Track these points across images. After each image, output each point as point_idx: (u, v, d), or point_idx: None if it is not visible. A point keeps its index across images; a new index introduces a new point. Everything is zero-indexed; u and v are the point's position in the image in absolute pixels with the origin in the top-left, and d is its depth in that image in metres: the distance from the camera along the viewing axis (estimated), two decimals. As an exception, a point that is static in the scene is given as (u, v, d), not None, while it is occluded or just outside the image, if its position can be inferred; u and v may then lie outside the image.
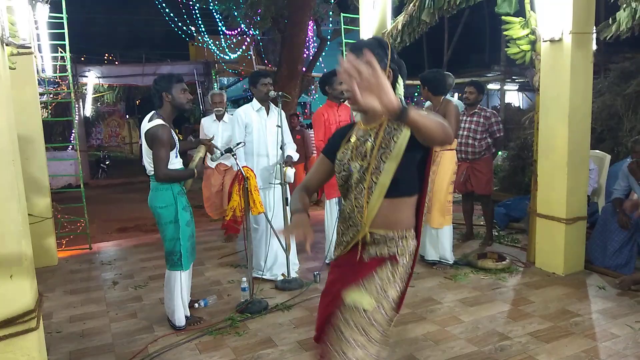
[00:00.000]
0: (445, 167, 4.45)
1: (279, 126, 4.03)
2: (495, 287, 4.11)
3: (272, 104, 4.26)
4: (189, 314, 3.55)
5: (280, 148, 4.04)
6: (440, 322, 3.47)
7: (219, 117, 5.67)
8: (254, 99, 4.29)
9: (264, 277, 4.30)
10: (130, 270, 4.87)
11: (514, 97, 18.11)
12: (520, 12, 4.42)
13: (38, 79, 5.31)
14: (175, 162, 3.37)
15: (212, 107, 5.68)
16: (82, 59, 13.94)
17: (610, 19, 3.61)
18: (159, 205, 3.30)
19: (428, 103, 4.74)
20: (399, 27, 5.59)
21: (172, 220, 3.30)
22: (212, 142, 3.84)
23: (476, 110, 5.14)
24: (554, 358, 2.93)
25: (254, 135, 4.22)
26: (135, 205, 8.55)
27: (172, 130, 3.34)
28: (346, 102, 4.66)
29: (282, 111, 4.25)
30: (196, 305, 3.82)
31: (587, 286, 4.05)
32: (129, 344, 3.30)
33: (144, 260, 5.20)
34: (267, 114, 4.27)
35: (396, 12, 6.30)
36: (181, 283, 3.41)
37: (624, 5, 3.63)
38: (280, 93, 4.06)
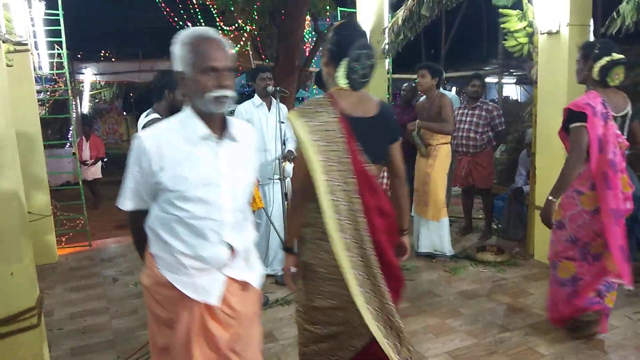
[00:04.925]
0: (441, 160, 4.46)
1: (282, 122, 4.03)
2: (494, 279, 4.13)
3: (273, 99, 4.26)
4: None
5: (283, 143, 4.04)
6: (440, 315, 3.48)
7: None
8: (255, 94, 4.30)
9: (264, 272, 4.31)
10: (130, 267, 4.87)
11: (512, 90, 18.10)
12: (517, 5, 4.42)
13: (35, 77, 5.29)
14: None
15: None
16: (79, 56, 13.86)
17: (615, 13, 3.60)
18: None
19: (422, 98, 4.75)
20: (400, 22, 5.59)
21: None
22: None
23: (478, 104, 5.14)
24: (554, 349, 2.95)
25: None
26: (134, 202, 8.53)
27: None
28: None
29: (284, 106, 4.26)
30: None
31: (586, 278, 4.07)
32: (130, 340, 3.31)
33: (143, 257, 5.20)
34: (269, 109, 4.27)
35: (394, 7, 6.29)
36: None
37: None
38: (277, 88, 4.06)
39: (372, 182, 2.00)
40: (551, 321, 3.19)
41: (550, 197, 2.85)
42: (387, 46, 6.16)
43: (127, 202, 1.72)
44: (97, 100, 16.29)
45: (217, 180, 1.66)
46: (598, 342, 3.01)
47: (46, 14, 5.37)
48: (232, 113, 4.62)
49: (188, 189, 1.62)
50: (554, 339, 3.06)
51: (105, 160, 8.87)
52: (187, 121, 1.67)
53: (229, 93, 1.62)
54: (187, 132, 1.65)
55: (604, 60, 2.81)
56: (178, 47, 1.64)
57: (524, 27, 4.39)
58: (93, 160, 8.48)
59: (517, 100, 16.23)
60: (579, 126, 2.78)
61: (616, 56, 2.81)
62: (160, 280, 1.71)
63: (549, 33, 4.13)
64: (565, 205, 2.98)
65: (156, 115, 3.25)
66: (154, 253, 1.73)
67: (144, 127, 3.23)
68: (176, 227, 1.66)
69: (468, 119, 5.12)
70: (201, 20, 13.04)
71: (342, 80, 1.97)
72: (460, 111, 5.22)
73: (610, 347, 2.95)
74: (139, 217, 1.75)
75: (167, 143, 1.63)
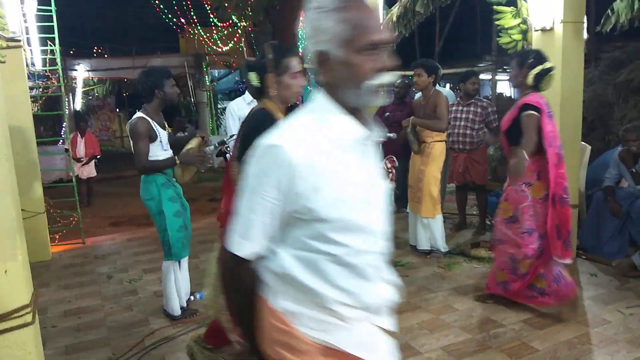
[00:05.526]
0: (435, 157, 4.47)
1: None
2: (488, 275, 4.14)
3: None
4: (185, 305, 3.56)
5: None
6: (435, 311, 3.50)
7: None
8: (247, 91, 4.29)
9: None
10: (124, 264, 4.87)
11: (506, 87, 18.15)
12: (512, 2, 4.43)
13: (28, 73, 5.25)
14: (163, 154, 3.35)
15: None
16: (72, 52, 13.77)
17: (609, 10, 3.62)
18: (146, 197, 3.34)
19: (418, 95, 4.75)
20: (394, 18, 5.59)
21: (158, 211, 3.33)
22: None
23: (473, 101, 5.15)
24: (547, 344, 2.97)
25: None
26: (128, 199, 8.51)
27: (154, 123, 3.31)
28: None
29: None
30: (191, 297, 3.83)
31: (579, 273, 4.10)
32: (125, 337, 3.31)
33: (137, 254, 5.19)
34: None
35: (389, 3, 6.29)
36: (174, 273, 3.43)
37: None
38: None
39: (229, 180, 2.20)
40: (489, 292, 3.56)
41: (524, 152, 2.99)
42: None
43: (250, 246, 1.16)
44: (89, 97, 16.19)
45: (369, 198, 1.19)
46: (591, 337, 3.04)
47: (39, 10, 5.33)
48: (224, 110, 4.55)
49: (349, 216, 1.13)
50: (548, 334, 3.09)
51: (98, 157, 8.78)
52: (329, 117, 1.14)
53: (392, 78, 1.14)
54: (334, 132, 1.13)
55: (538, 68, 3.12)
56: (319, 17, 1.10)
57: (518, 24, 4.41)
58: (87, 159, 8.38)
59: (510, 97, 16.28)
60: (532, 113, 3.05)
61: (547, 65, 3.14)
62: (310, 346, 1.18)
63: (543, 30, 4.15)
64: (517, 200, 3.23)
65: (140, 115, 3.25)
66: (286, 309, 1.18)
67: (129, 126, 3.25)
68: (329, 269, 1.15)
69: (464, 115, 5.13)
70: (194, 17, 13.00)
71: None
72: (455, 108, 5.22)
73: (603, 342, 2.98)
74: (252, 265, 1.20)
75: (317, 151, 1.10)
